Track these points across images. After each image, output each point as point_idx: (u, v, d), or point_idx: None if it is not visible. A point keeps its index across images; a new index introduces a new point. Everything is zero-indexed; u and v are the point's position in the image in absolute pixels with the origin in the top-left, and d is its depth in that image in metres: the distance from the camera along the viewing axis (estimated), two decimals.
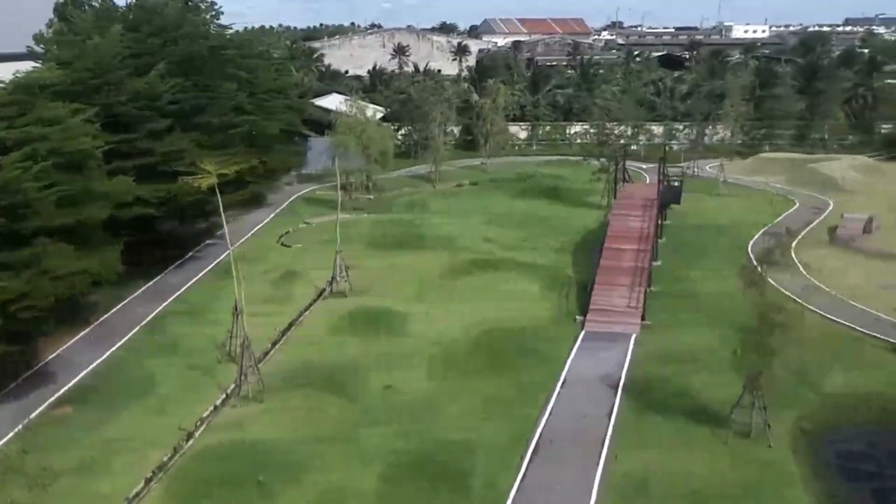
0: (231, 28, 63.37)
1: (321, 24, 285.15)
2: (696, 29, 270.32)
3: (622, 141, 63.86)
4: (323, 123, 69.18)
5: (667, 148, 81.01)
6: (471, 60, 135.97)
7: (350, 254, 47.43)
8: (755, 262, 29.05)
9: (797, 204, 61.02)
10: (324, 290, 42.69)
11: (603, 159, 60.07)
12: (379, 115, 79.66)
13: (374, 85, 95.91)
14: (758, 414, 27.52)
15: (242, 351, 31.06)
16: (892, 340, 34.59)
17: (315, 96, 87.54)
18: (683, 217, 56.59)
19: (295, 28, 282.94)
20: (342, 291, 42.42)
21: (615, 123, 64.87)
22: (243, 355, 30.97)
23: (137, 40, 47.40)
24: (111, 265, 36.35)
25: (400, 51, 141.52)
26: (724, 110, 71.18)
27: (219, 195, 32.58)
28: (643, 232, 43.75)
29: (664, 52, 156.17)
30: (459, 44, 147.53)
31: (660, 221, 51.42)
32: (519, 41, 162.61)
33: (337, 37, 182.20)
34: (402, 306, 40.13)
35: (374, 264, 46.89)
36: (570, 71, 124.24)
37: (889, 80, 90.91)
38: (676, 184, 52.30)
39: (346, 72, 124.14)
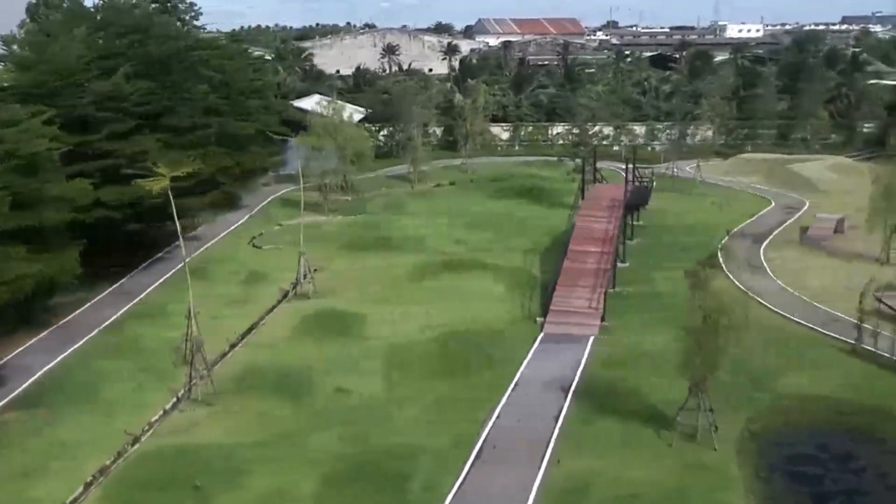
0: (205, 28, 63.50)
1: (317, 24, 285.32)
2: (693, 28, 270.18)
3: (594, 141, 63.63)
4: (302, 124, 69.04)
5: (649, 148, 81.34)
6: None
7: (318, 255, 47.57)
8: (699, 265, 29.03)
9: (772, 204, 61.01)
10: (288, 292, 42.64)
11: (578, 160, 59.98)
12: (359, 116, 79.71)
13: (357, 85, 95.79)
14: (704, 416, 27.45)
15: (192, 354, 30.97)
16: (849, 341, 34.45)
17: (298, 97, 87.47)
18: (657, 217, 56.55)
19: (290, 28, 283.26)
20: (306, 293, 42.39)
21: (591, 124, 64.69)
22: (192, 359, 30.90)
23: (105, 41, 47.36)
24: (69, 267, 36.38)
25: (389, 50, 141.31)
26: (701, 110, 70.84)
27: (171, 198, 32.44)
28: (608, 233, 43.65)
29: (656, 52, 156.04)
30: (449, 44, 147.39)
31: (631, 222, 51.47)
32: (509, 41, 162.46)
33: (329, 36, 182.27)
34: (364, 308, 40.05)
35: (342, 266, 46.88)
36: (561, 70, 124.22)
37: (872, 80, 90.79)
38: (645, 185, 52.12)
39: (338, 71, 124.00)
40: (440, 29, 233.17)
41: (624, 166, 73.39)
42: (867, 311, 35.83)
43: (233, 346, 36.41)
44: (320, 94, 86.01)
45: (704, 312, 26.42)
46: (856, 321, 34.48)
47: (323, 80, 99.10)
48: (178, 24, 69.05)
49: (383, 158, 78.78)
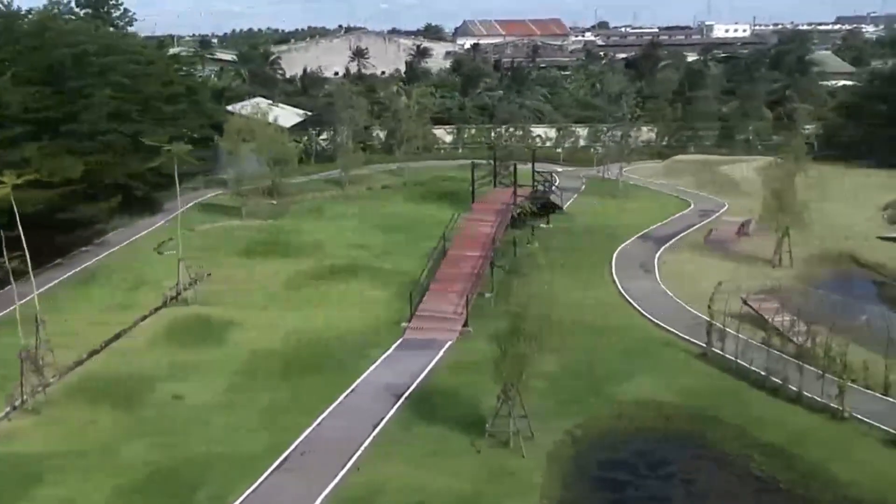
0: (124, 31, 63.41)
1: (308, 27, 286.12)
2: (686, 28, 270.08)
3: (506, 143, 63.39)
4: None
5: (591, 150, 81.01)
6: (438, 63, 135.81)
7: (212, 261, 47.53)
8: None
9: (691, 206, 60.83)
10: (168, 299, 42.45)
11: (489, 162, 59.60)
12: (296, 119, 79.61)
13: (304, 88, 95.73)
14: (519, 423, 27.20)
15: (23, 363, 30.82)
16: (702, 345, 34.17)
17: (241, 100, 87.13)
18: (570, 220, 56.43)
19: (282, 31, 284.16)
20: (185, 300, 42.21)
21: (507, 126, 64.41)
22: (23, 367, 30.75)
23: None
24: None
25: (358, 53, 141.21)
26: (621, 112, 70.24)
27: (14, 205, 32.41)
28: (490, 237, 43.40)
29: (632, 54, 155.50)
30: (419, 47, 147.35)
31: (533, 225, 51.22)
32: (478, 43, 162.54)
33: (307, 40, 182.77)
34: (238, 315, 39.84)
35: (232, 272, 46.65)
36: (534, 73, 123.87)
37: (821, 82, 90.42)
38: (543, 188, 51.86)
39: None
40: (429, 30, 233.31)
41: (559, 169, 73.94)
42: (731, 313, 35.72)
43: (93, 353, 36.21)
44: (264, 97, 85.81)
45: (509, 318, 26.27)
46: (708, 324, 34.26)
47: (274, 83, 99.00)
48: (112, 29, 69.25)
49: (325, 162, 78.65)
